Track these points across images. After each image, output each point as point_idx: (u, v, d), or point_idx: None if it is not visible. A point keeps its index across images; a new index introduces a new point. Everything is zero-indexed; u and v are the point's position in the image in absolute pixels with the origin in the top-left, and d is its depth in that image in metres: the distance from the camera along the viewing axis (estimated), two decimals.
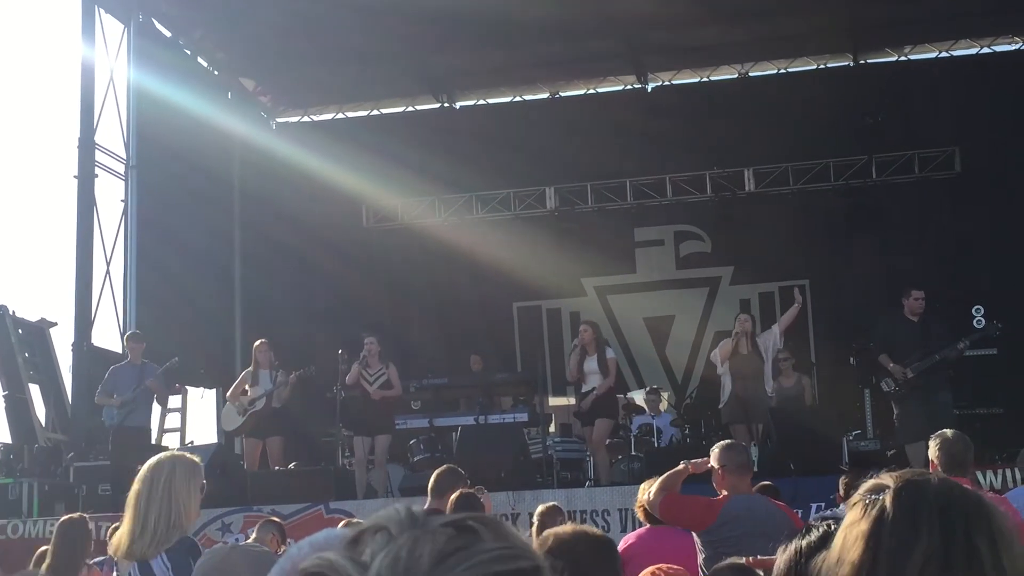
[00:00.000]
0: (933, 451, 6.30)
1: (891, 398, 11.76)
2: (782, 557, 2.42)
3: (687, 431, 14.33)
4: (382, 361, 12.80)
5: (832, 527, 2.37)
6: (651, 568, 4.01)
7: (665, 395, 16.00)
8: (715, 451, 6.48)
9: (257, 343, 13.34)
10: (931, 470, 6.10)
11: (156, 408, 14.19)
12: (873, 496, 1.58)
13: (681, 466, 6.44)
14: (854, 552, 1.54)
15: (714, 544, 5.99)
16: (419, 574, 0.87)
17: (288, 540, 10.54)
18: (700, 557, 6.06)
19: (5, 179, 33.31)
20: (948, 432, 6.44)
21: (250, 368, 13.27)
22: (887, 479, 1.62)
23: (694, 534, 6.27)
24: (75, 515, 7.85)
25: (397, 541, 0.90)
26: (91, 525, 7.91)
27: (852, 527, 1.57)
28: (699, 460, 6.50)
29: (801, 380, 13.98)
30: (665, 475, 6.39)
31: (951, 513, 1.52)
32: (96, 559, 8.13)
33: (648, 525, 6.68)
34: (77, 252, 15.08)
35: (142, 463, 12.75)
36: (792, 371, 13.52)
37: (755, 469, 11.52)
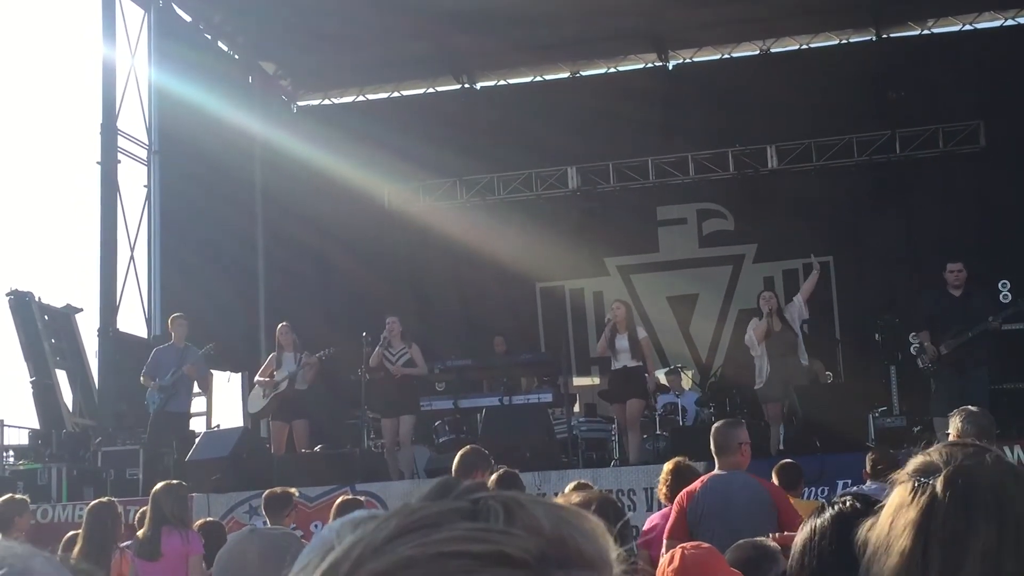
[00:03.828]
0: (957, 425, 6.22)
1: (928, 374, 11.74)
2: (799, 535, 2.41)
3: (712, 409, 14.32)
4: (404, 340, 12.81)
5: (850, 504, 2.35)
6: (678, 547, 4.00)
7: (689, 373, 15.98)
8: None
9: (280, 326, 13.40)
10: None
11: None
12: (923, 480, 1.52)
13: None
14: (903, 541, 1.49)
15: (691, 526, 6.11)
16: (371, 547, 0.86)
17: (315, 523, 10.63)
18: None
19: (30, 166, 33.48)
20: (972, 407, 6.40)
21: (275, 352, 13.34)
22: (936, 455, 1.57)
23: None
24: (104, 499, 7.95)
25: (390, 515, 0.90)
26: (120, 509, 8.01)
27: (900, 512, 1.51)
28: None
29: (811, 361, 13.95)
30: None
31: (1004, 502, 1.48)
32: (126, 543, 8.21)
33: (670, 505, 6.71)
34: (101, 238, 15.15)
35: (177, 448, 12.96)
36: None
37: (780, 447, 11.57)
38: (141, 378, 12.95)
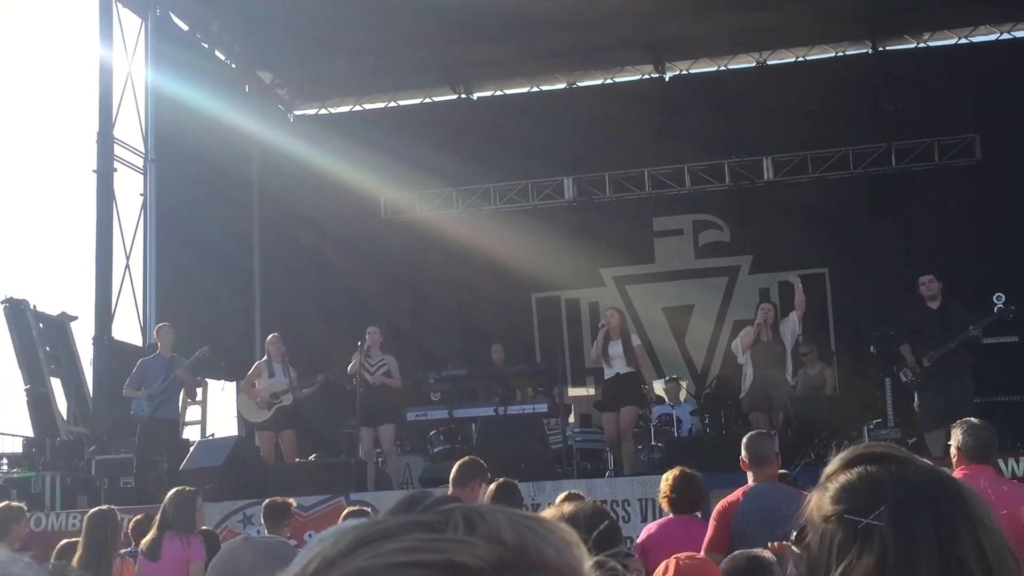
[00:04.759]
0: (958, 438, 6.21)
1: (911, 387, 11.75)
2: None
3: (707, 420, 14.33)
4: (383, 351, 12.86)
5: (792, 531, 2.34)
6: (672, 557, 4.00)
7: (684, 384, 15.97)
8: (742, 442, 6.57)
9: (270, 337, 13.50)
10: (955, 457, 6.06)
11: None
12: (863, 520, 1.47)
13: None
14: None
15: (733, 539, 6.02)
16: (327, 560, 0.87)
17: (309, 532, 10.61)
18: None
19: (26, 174, 33.46)
20: (974, 419, 6.38)
21: (263, 360, 13.37)
22: (856, 478, 1.51)
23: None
24: (104, 507, 7.97)
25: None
26: (119, 517, 8.03)
27: (850, 559, 1.46)
28: None
29: (824, 371, 13.97)
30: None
31: (944, 526, 1.46)
32: (125, 550, 8.22)
33: (671, 515, 6.68)
34: (97, 246, 15.13)
35: (168, 456, 12.97)
36: (817, 360, 13.58)
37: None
38: (124, 390, 12.95)
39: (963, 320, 11.48)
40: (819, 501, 1.55)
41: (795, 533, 1.58)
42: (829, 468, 1.58)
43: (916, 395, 11.70)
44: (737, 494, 6.33)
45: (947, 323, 11.41)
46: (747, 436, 6.67)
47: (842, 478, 1.54)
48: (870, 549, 1.45)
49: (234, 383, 17.12)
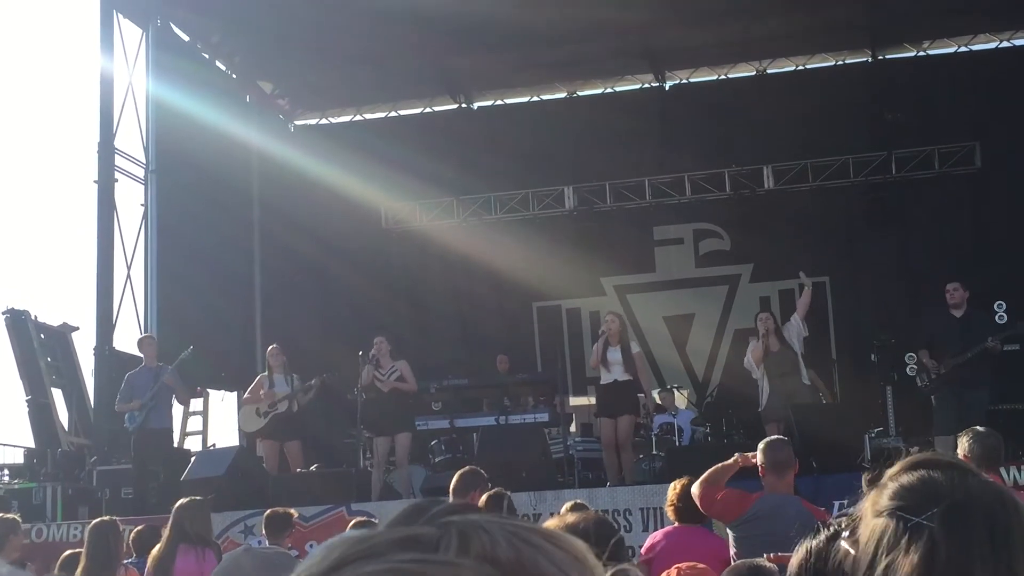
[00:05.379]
0: (965, 445, 6.21)
1: (927, 392, 11.76)
2: (795, 558, 2.40)
3: (708, 429, 14.31)
4: (393, 358, 12.80)
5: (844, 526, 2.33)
6: (673, 567, 4.00)
7: (685, 393, 15.96)
8: (759, 447, 6.48)
9: (270, 348, 13.46)
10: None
11: (177, 410, 14.24)
12: (914, 519, 1.46)
13: (731, 460, 6.39)
14: None
15: (742, 540, 6.00)
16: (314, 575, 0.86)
17: (310, 543, 10.60)
18: (732, 552, 6.05)
19: (27, 184, 33.51)
20: (980, 427, 6.40)
21: (264, 373, 13.33)
22: (916, 480, 1.51)
23: (728, 530, 6.27)
24: (106, 518, 7.93)
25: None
26: (121, 527, 8.00)
27: (896, 556, 1.45)
28: (750, 454, 6.45)
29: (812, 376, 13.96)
30: (714, 467, 6.35)
31: (997, 536, 1.46)
32: (128, 559, 8.20)
33: (677, 524, 6.67)
34: (98, 257, 15.12)
35: (164, 465, 12.88)
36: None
37: None
38: (116, 406, 12.92)
39: (984, 330, 11.50)
40: (876, 497, 1.55)
41: (848, 530, 1.59)
42: (892, 469, 1.58)
43: (933, 401, 11.75)
44: (751, 501, 6.25)
45: (968, 332, 11.43)
46: (764, 442, 6.57)
47: (903, 479, 1.55)
48: (917, 547, 1.45)
49: (235, 393, 17.12)
